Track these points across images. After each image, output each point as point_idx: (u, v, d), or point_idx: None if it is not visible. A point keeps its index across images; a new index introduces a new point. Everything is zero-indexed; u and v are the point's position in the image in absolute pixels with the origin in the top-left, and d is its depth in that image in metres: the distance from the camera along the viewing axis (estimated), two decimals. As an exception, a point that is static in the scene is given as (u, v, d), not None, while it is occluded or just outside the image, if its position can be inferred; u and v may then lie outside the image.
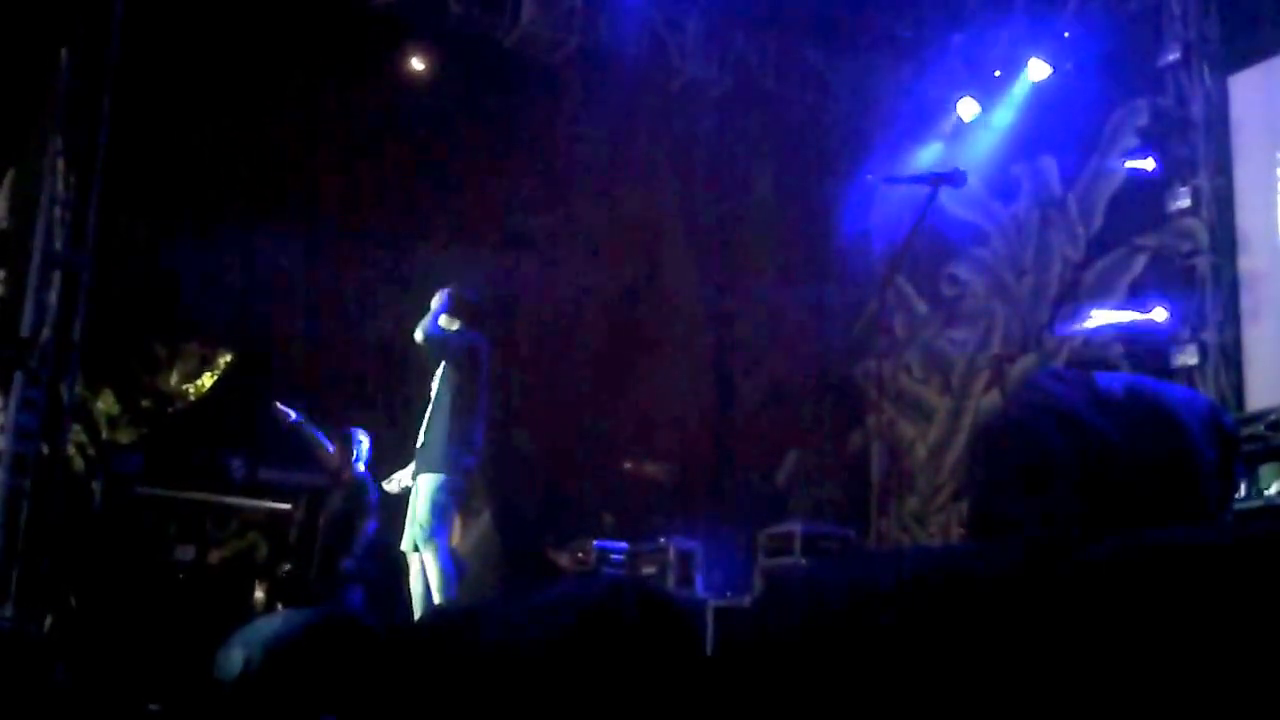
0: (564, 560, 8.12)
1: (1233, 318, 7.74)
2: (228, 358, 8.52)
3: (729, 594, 7.51)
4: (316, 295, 9.08)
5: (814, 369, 10.34)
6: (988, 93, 9.24)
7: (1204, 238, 7.87)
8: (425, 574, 5.72)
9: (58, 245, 5.47)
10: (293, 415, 6.89)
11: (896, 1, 9.58)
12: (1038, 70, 8.81)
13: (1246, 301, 7.72)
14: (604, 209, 10.23)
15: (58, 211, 5.38)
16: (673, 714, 1.90)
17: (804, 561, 7.54)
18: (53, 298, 5.45)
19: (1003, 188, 9.40)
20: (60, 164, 5.35)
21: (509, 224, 9.78)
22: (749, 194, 10.49)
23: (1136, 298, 8.15)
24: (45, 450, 5.41)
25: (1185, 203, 7.94)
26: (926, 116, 9.72)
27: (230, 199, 8.52)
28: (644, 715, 1.93)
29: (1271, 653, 1.11)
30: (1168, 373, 7.25)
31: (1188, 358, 7.51)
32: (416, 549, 5.74)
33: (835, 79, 10.38)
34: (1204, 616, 1.18)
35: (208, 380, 8.46)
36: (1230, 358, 7.68)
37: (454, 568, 5.78)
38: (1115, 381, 2.87)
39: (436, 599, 5.64)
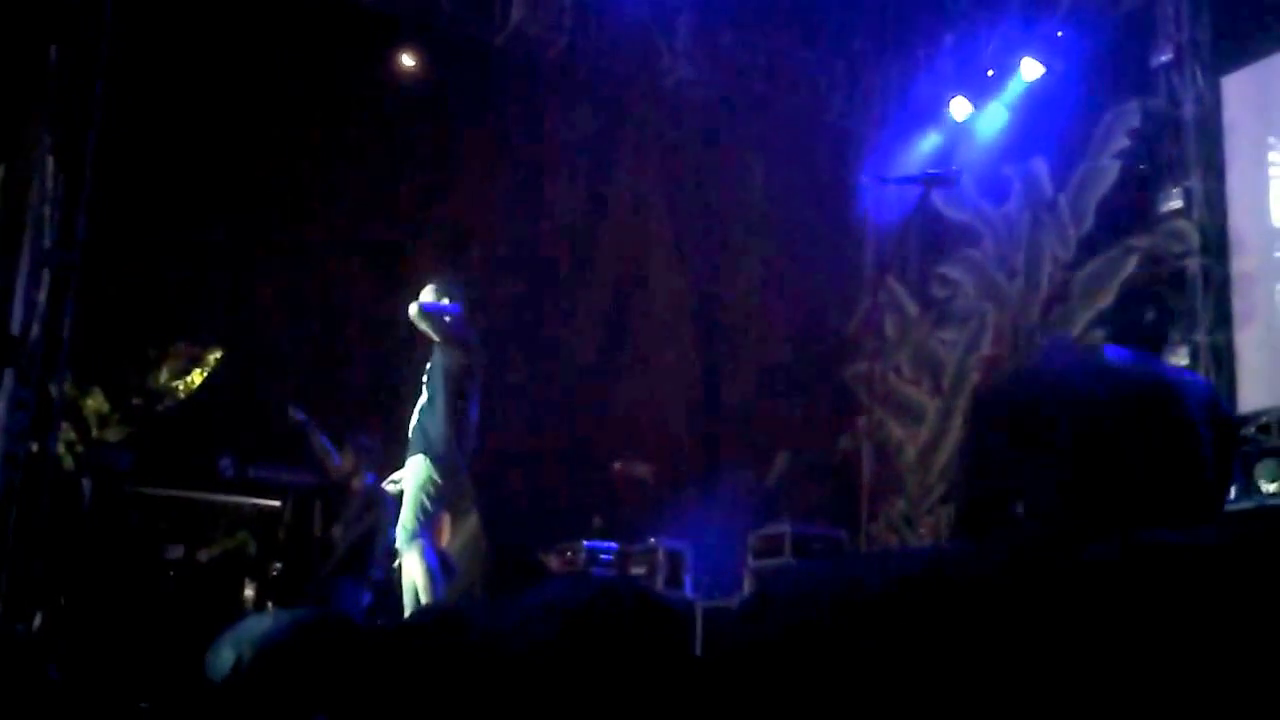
0: (553, 561, 8.12)
1: (1224, 319, 7.76)
2: (217, 355, 8.50)
3: (718, 595, 7.51)
4: (306, 294, 9.07)
5: (804, 370, 10.34)
6: (980, 93, 9.26)
7: (1195, 239, 7.89)
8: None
9: (47, 243, 5.45)
10: (302, 417, 6.86)
11: (887, 2, 9.59)
12: (1030, 70, 8.83)
13: (1238, 303, 7.73)
14: (593, 209, 10.22)
15: (47, 210, 5.36)
16: (661, 713, 1.90)
17: (794, 563, 7.55)
18: (42, 296, 5.44)
19: (994, 188, 9.41)
20: (50, 162, 5.34)
21: (496, 223, 9.76)
22: (739, 195, 10.48)
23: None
24: (35, 449, 5.39)
25: (1177, 204, 7.96)
26: (918, 117, 9.74)
27: (221, 197, 8.50)
28: (633, 714, 1.92)
29: (1259, 652, 1.11)
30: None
31: (1178, 359, 7.53)
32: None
33: (826, 79, 10.39)
34: (1191, 618, 1.18)
35: (197, 378, 8.43)
36: (1221, 359, 7.70)
37: (440, 567, 5.77)
38: (1123, 356, 2.88)
39: (423, 599, 5.63)
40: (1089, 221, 8.70)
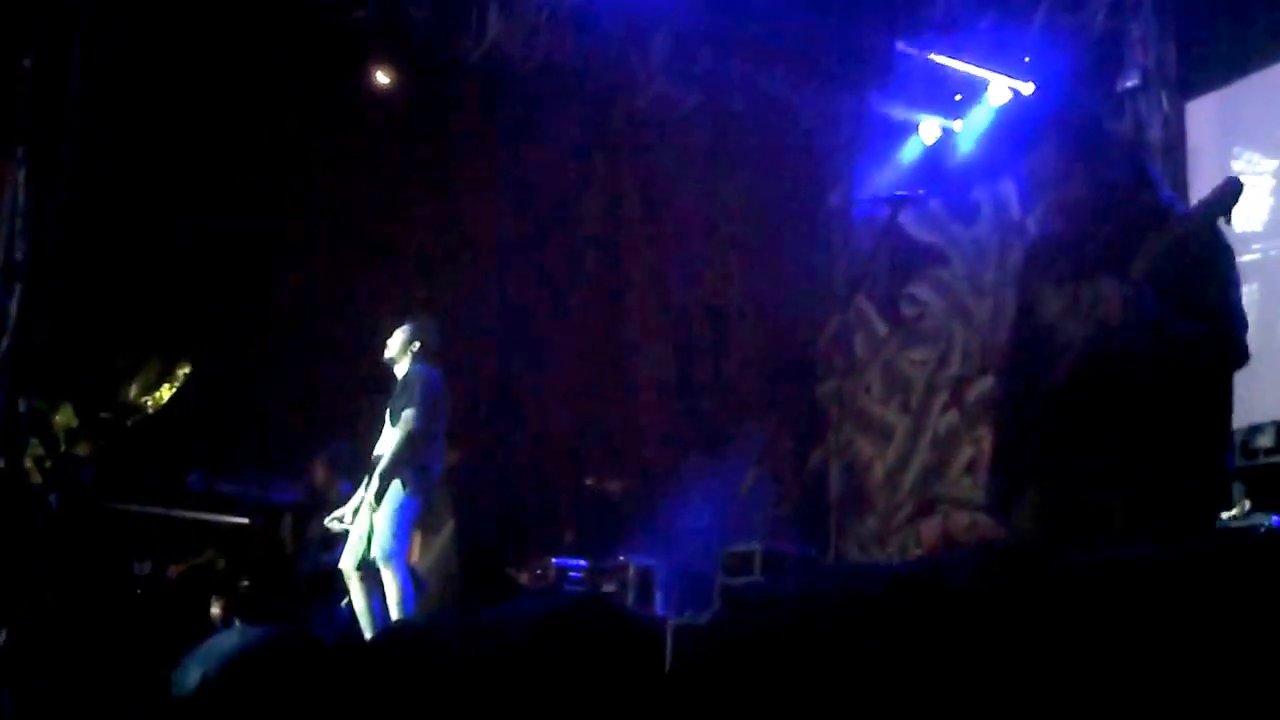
0: (524, 577, 8.11)
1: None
2: (187, 370, 8.45)
3: (689, 612, 7.53)
4: (278, 308, 9.04)
5: (775, 387, 10.40)
6: (950, 115, 9.36)
7: (1160, 261, 7.98)
8: (369, 591, 5.75)
9: (18, 256, 5.42)
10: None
11: (859, 23, 9.68)
12: (999, 94, 8.94)
13: (1202, 325, 7.84)
14: (567, 225, 10.25)
15: (19, 222, 5.34)
16: (630, 730, 1.91)
17: (764, 580, 7.58)
18: (13, 308, 5.41)
19: (963, 210, 9.51)
20: (21, 174, 5.32)
21: (471, 238, 9.77)
22: (714, 211, 10.54)
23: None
24: (2, 464, 5.35)
25: (1142, 226, 8.07)
26: (889, 138, 9.83)
27: (193, 211, 8.47)
28: (601, 732, 1.94)
29: (1213, 664, 1.14)
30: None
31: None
32: (359, 567, 5.77)
33: (799, 99, 10.47)
34: (1151, 631, 1.21)
35: (166, 393, 8.38)
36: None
37: (411, 585, 5.80)
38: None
39: (395, 615, 5.65)
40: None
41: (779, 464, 9.99)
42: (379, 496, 5.76)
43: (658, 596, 7.94)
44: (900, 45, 9.28)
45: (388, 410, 5.99)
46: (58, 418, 7.44)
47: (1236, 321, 2.84)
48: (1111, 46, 8.40)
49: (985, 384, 9.03)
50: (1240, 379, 2.93)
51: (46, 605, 6.11)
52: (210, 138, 8.47)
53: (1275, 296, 7.04)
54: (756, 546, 7.82)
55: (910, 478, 9.50)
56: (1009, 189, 9.21)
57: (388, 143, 9.45)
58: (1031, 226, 8.96)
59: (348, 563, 5.82)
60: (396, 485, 5.77)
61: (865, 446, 9.91)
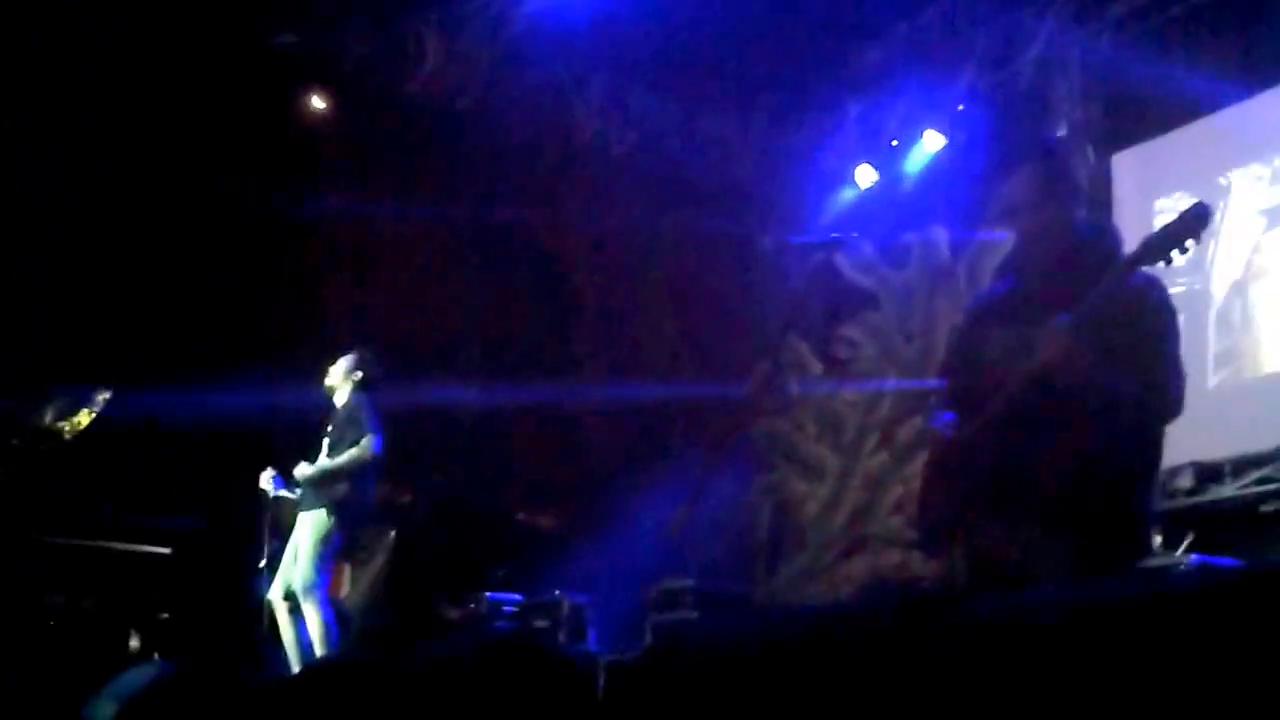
0: (454, 613, 8.01)
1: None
2: (106, 396, 8.26)
3: (622, 648, 7.49)
4: (204, 335, 8.89)
5: (708, 425, 10.43)
6: (884, 161, 9.53)
7: (1086, 310, 8.17)
8: (296, 623, 5.65)
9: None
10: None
11: (797, 68, 9.84)
12: (933, 141, 9.13)
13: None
14: (504, 261, 10.24)
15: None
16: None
17: (695, 617, 7.57)
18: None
19: (894, 254, 9.66)
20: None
21: (408, 270, 9.71)
22: (651, 250, 10.60)
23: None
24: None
25: (1069, 274, 8.26)
26: (824, 182, 9.98)
27: (116, 235, 8.32)
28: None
29: (1132, 704, 1.16)
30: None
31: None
32: (286, 596, 5.67)
33: (737, 142, 10.59)
34: (1072, 671, 1.23)
35: (85, 419, 8.17)
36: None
37: (335, 619, 5.71)
38: None
39: (318, 650, 5.54)
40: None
41: (711, 502, 10.01)
42: (308, 489, 5.67)
43: (591, 633, 7.89)
44: (835, 91, 9.45)
45: (325, 440, 5.92)
46: (-33, 444, 7.23)
47: (1172, 375, 2.87)
48: (1037, 98, 8.64)
49: (915, 425, 9.15)
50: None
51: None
52: (142, 160, 8.34)
53: (1195, 334, 7.24)
54: (689, 583, 7.82)
55: (841, 516, 9.58)
56: (940, 234, 9.38)
57: (322, 172, 9.38)
58: (961, 271, 9.14)
59: (275, 593, 5.72)
60: (321, 516, 5.68)
61: (798, 485, 9.97)
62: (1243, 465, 7.28)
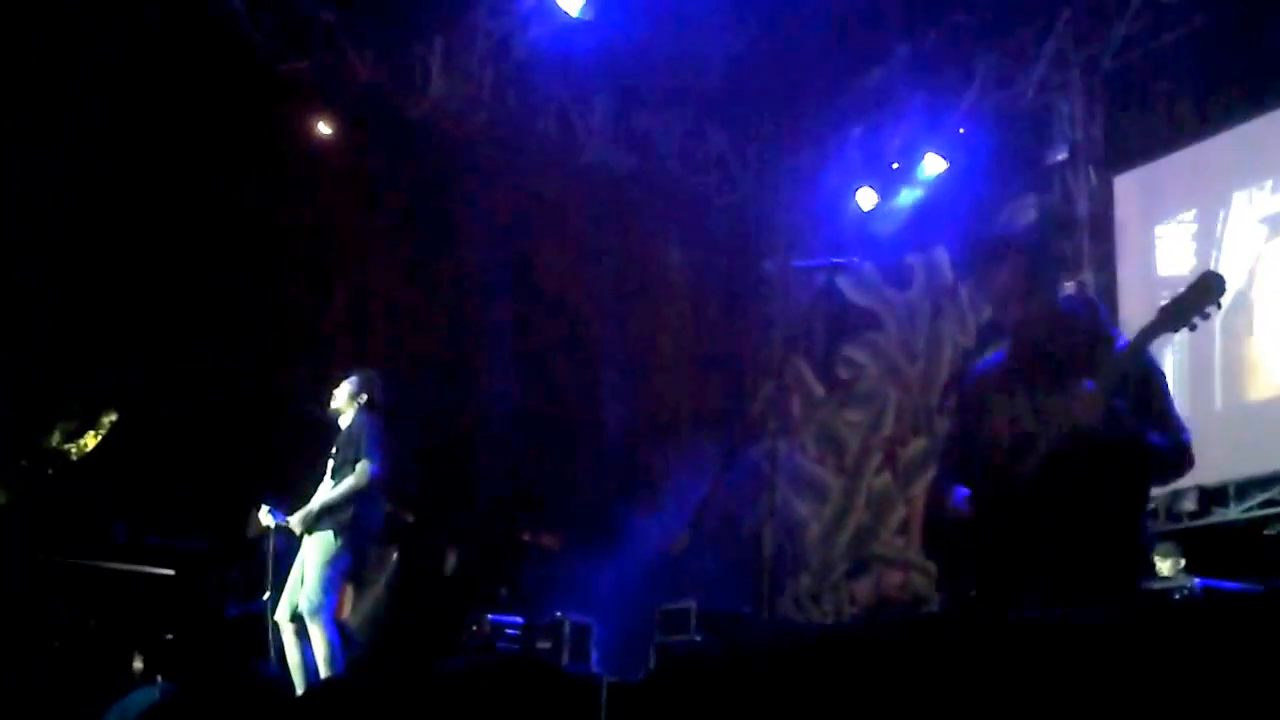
0: (459, 634, 8.00)
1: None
2: (112, 418, 8.28)
3: (625, 670, 7.47)
4: (207, 358, 8.90)
5: (712, 446, 10.43)
6: (885, 183, 9.56)
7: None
8: (302, 644, 5.64)
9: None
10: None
11: (798, 92, 9.90)
12: (933, 164, 9.16)
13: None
14: (509, 282, 10.26)
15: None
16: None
17: (699, 639, 7.56)
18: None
19: (897, 275, 9.68)
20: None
21: (413, 294, 9.74)
22: (654, 272, 10.63)
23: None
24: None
25: (1071, 296, 8.27)
26: (826, 203, 10.01)
27: (120, 256, 8.34)
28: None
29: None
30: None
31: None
32: (293, 618, 5.66)
33: (738, 164, 10.64)
34: (1065, 693, 1.24)
35: (91, 441, 8.19)
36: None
37: (340, 640, 5.70)
38: None
39: (323, 672, 5.54)
40: (988, 310, 8.98)
41: (715, 522, 10.01)
42: (309, 529, 5.68)
43: (593, 654, 7.87)
44: (839, 113, 9.50)
45: (329, 461, 5.92)
46: (-26, 466, 7.25)
47: (1182, 429, 3.10)
48: (1039, 121, 8.68)
49: (918, 445, 9.15)
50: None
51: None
52: (145, 183, 8.37)
53: (1203, 346, 7.24)
54: (692, 605, 7.80)
55: (845, 537, 9.58)
56: (942, 255, 9.40)
57: (328, 195, 9.41)
58: (964, 291, 9.17)
59: (281, 614, 5.70)
60: (329, 538, 5.69)
61: (801, 506, 9.97)
62: (1246, 488, 7.29)
